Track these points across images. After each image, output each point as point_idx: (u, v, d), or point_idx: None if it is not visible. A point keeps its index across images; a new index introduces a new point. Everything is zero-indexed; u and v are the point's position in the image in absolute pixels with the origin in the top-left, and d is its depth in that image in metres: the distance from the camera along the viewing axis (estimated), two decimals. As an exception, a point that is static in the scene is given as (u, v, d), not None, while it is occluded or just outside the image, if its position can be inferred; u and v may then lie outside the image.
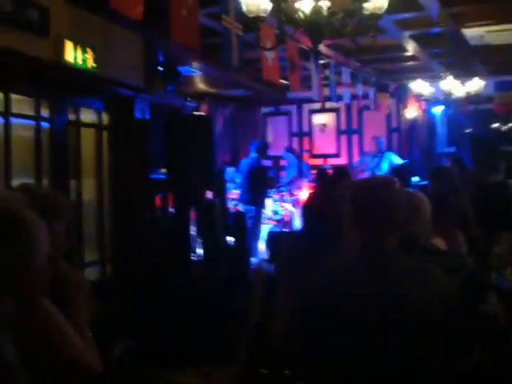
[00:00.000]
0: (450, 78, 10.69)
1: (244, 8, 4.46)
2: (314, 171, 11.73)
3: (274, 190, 11.03)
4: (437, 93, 11.67)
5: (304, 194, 10.68)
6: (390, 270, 2.46)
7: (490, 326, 2.96)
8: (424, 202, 3.34)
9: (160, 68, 8.12)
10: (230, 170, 11.33)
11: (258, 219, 9.84)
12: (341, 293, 2.49)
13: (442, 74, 11.14)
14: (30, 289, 1.82)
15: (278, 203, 11.00)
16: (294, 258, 4.16)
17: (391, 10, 4.74)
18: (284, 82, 8.83)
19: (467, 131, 13.56)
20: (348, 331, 2.44)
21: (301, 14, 4.37)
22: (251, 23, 4.68)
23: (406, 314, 2.37)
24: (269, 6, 4.39)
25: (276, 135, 14.67)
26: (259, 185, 9.90)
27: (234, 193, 10.70)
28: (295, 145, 14.56)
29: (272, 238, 9.37)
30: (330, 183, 6.88)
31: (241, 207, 10.03)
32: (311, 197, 4.58)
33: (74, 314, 2.36)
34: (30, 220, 1.79)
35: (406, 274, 2.47)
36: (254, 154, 10.05)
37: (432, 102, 12.70)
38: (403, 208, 2.57)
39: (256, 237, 9.77)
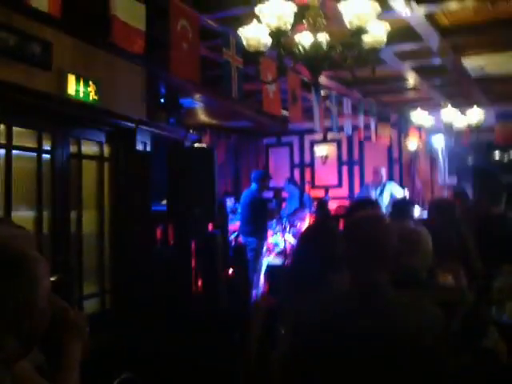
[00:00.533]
0: (451, 108, 10.71)
1: (244, 42, 4.49)
2: (315, 202, 11.75)
3: (275, 221, 10.99)
4: (438, 123, 11.70)
5: (305, 225, 10.65)
6: (380, 305, 2.47)
7: (490, 362, 2.93)
8: (424, 236, 3.34)
9: (162, 100, 8.16)
10: (231, 201, 11.33)
11: (258, 251, 9.78)
12: (331, 329, 2.49)
13: (442, 105, 11.18)
14: (33, 329, 1.77)
15: (279, 235, 10.96)
16: (288, 290, 4.15)
17: (391, 41, 4.76)
18: (285, 113, 8.87)
19: (468, 162, 13.57)
20: (340, 367, 2.43)
21: (300, 48, 4.40)
22: (251, 57, 4.70)
23: (398, 349, 2.36)
24: (269, 41, 4.41)
25: (277, 166, 14.70)
26: (259, 216, 9.85)
27: (234, 224, 10.67)
28: (297, 176, 14.58)
29: (271, 270, 9.34)
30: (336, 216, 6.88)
31: (241, 239, 9.99)
32: (308, 228, 4.58)
33: (66, 352, 2.34)
34: (32, 258, 1.76)
35: (396, 308, 2.48)
36: (254, 185, 10.03)
37: (433, 132, 12.73)
38: (393, 243, 2.59)
39: (256, 269, 9.72)
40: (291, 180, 13.07)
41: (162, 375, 5.85)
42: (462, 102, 10.94)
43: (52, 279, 2.53)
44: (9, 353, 1.68)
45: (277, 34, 4.17)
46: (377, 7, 4.14)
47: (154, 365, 5.92)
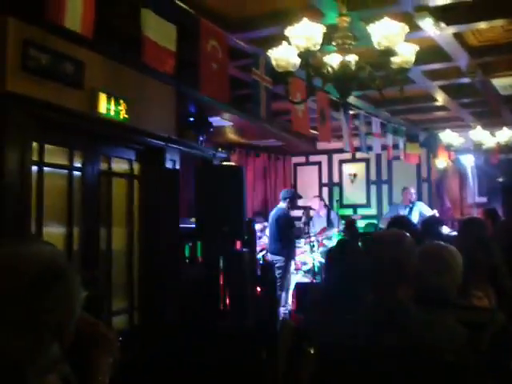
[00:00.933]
0: (480, 127, 10.66)
1: (273, 63, 4.54)
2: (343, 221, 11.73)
3: (303, 239, 10.98)
4: (467, 143, 11.64)
5: (333, 244, 10.63)
6: (403, 322, 2.48)
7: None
8: (455, 256, 3.32)
9: (191, 118, 8.24)
10: (259, 220, 11.35)
11: (286, 269, 9.79)
12: (351, 345, 2.51)
13: (471, 124, 11.13)
14: (69, 339, 1.86)
15: (307, 253, 10.96)
16: (316, 309, 4.17)
17: (419, 60, 4.78)
18: (314, 132, 8.90)
19: (498, 181, 13.46)
20: (364, 381, 2.44)
21: (329, 69, 4.44)
22: (280, 77, 4.74)
23: (422, 364, 2.37)
24: (298, 61, 4.45)
25: (306, 185, 14.69)
26: (287, 234, 9.87)
27: (262, 243, 10.70)
28: (325, 195, 14.58)
29: (299, 288, 9.33)
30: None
31: (269, 257, 10.01)
32: (336, 247, 4.59)
33: (95, 366, 2.40)
34: (71, 272, 1.86)
35: (419, 325, 2.48)
36: (282, 204, 10.06)
37: (462, 151, 12.65)
38: (413, 261, 2.61)
39: (284, 287, 9.72)
40: (319, 198, 13.07)
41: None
42: (491, 121, 10.89)
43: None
44: (53, 359, 1.76)
45: (306, 55, 4.22)
46: (405, 28, 4.17)
47: (182, 381, 5.93)
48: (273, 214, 10.18)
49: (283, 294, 9.70)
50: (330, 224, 12.18)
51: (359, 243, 4.61)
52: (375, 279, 2.61)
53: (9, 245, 1.84)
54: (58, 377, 2.18)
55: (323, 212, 12.46)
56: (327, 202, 13.48)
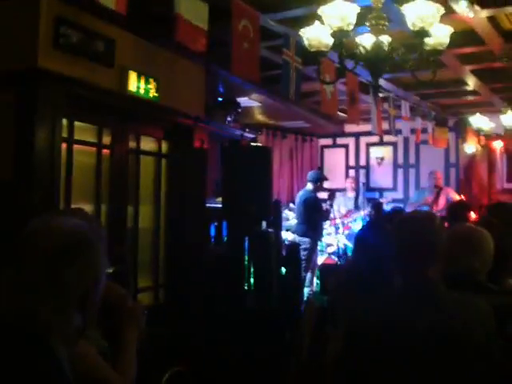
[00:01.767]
0: (510, 112, 10.53)
1: (306, 42, 4.50)
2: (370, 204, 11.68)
3: (328, 222, 10.96)
4: (497, 128, 11.51)
5: (359, 226, 10.62)
6: (433, 302, 2.48)
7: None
8: (485, 238, 3.30)
9: (220, 98, 8.22)
10: (285, 201, 11.35)
11: (312, 251, 9.79)
12: (385, 323, 2.51)
13: (502, 109, 11.00)
14: (95, 304, 1.95)
15: (332, 235, 10.95)
16: (342, 289, 4.16)
17: (452, 43, 4.72)
18: (342, 114, 8.85)
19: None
20: (394, 360, 2.44)
21: (361, 49, 4.40)
22: (312, 57, 4.71)
23: (452, 344, 2.37)
24: (330, 41, 4.42)
25: (332, 167, 14.64)
26: (314, 216, 9.85)
27: (289, 223, 10.69)
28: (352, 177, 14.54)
29: (324, 270, 9.33)
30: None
31: (296, 238, 10.00)
32: (363, 229, 4.59)
33: (124, 339, 2.44)
34: (95, 241, 1.95)
35: (448, 305, 2.48)
36: (309, 185, 10.03)
37: (492, 136, 12.52)
38: (444, 242, 2.59)
39: (310, 268, 9.73)
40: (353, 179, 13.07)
41: (213, 371, 5.90)
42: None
43: (110, 270, 2.66)
44: (75, 327, 1.81)
45: (339, 35, 4.18)
46: (440, 9, 4.12)
47: (205, 360, 5.97)
48: (300, 195, 10.16)
49: (308, 275, 9.71)
50: (357, 207, 12.17)
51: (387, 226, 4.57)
52: (405, 259, 2.59)
53: (45, 216, 1.93)
54: (96, 351, 2.24)
55: (352, 194, 12.43)
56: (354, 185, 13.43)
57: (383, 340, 2.49)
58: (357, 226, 10.78)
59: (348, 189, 13.12)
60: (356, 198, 12.54)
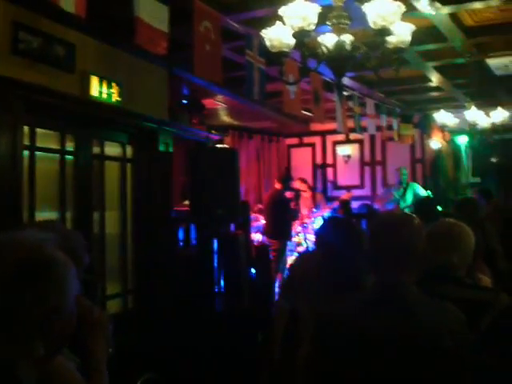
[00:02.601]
0: (475, 108, 10.63)
1: (267, 43, 4.47)
2: (336, 202, 11.72)
3: (297, 221, 10.97)
4: (461, 123, 11.61)
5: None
6: (402, 306, 2.44)
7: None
8: (466, 233, 3.28)
9: (184, 101, 8.17)
10: (252, 202, 11.33)
11: (281, 251, 9.78)
12: (354, 329, 2.47)
13: (466, 104, 11.09)
14: (60, 334, 1.75)
15: (301, 235, 10.95)
16: (307, 278, 4.14)
17: (414, 40, 4.72)
18: (307, 113, 8.84)
19: (492, 161, 13.46)
20: (362, 368, 2.41)
21: (324, 49, 4.38)
22: (274, 57, 4.68)
23: (418, 349, 2.35)
24: (292, 41, 4.39)
25: (300, 167, 14.65)
26: (283, 217, 9.85)
27: (257, 225, 10.67)
28: (318, 176, 14.60)
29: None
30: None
31: (264, 239, 9.99)
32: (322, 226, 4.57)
33: (92, 352, 2.36)
34: (60, 262, 1.73)
35: (418, 309, 2.44)
36: (277, 186, 10.03)
37: (456, 132, 12.63)
38: (422, 245, 2.55)
39: (279, 269, 9.72)
40: (303, 181, 13.06)
41: (185, 375, 5.86)
42: (486, 102, 10.84)
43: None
44: (37, 357, 1.67)
45: (300, 35, 4.16)
46: (401, 7, 4.11)
47: (177, 365, 5.93)
48: (268, 195, 10.15)
49: (279, 276, 9.70)
50: (316, 205, 12.25)
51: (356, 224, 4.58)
52: (379, 262, 2.55)
53: (3, 233, 1.75)
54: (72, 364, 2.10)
55: (308, 194, 12.50)
56: (319, 184, 13.49)
57: (350, 343, 2.46)
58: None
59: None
60: (313, 197, 12.60)
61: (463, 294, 2.91)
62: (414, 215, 2.70)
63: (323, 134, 14.33)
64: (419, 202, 7.66)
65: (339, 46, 4.33)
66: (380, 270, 2.55)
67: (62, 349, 1.88)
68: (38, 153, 5.66)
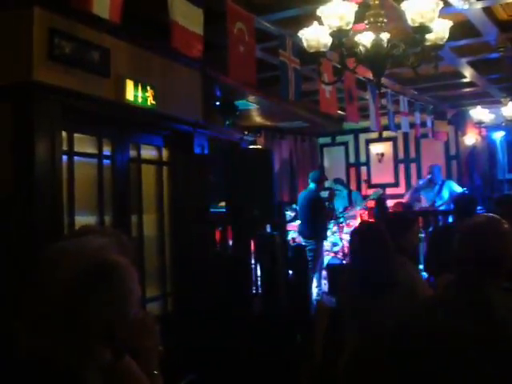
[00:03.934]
0: (510, 103, 10.48)
1: (304, 43, 4.45)
2: (372, 201, 11.62)
3: (332, 221, 10.92)
4: (497, 119, 11.47)
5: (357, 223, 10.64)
6: (488, 313, 2.37)
7: None
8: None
9: (218, 103, 8.18)
10: (288, 203, 11.31)
11: (318, 251, 9.74)
12: (435, 334, 2.41)
13: (502, 100, 10.95)
14: (124, 339, 1.76)
15: (336, 234, 10.91)
16: (353, 293, 4.09)
17: (448, 36, 4.67)
18: (341, 112, 8.80)
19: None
20: (441, 370, 2.35)
21: (361, 48, 4.34)
22: (310, 58, 4.66)
23: (503, 351, 2.28)
24: (329, 41, 4.37)
25: (333, 166, 14.61)
26: (319, 216, 9.81)
27: (293, 225, 10.64)
28: (352, 175, 14.55)
29: (331, 270, 9.29)
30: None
31: (300, 240, 9.96)
32: (366, 227, 4.53)
33: (145, 356, 2.34)
34: (123, 267, 1.74)
35: (505, 315, 2.37)
36: (313, 185, 9.98)
37: (492, 127, 12.48)
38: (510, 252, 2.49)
39: (316, 269, 9.68)
40: (337, 180, 12.99)
41: (225, 377, 5.85)
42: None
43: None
44: (103, 360, 1.67)
45: (338, 34, 4.13)
46: (439, 3, 4.07)
47: (217, 367, 5.92)
48: (303, 196, 10.11)
49: (316, 276, 9.66)
50: (351, 203, 12.21)
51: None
52: (470, 269, 2.47)
53: (63, 239, 1.74)
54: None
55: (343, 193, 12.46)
56: (352, 183, 13.45)
57: (431, 346, 2.40)
58: (355, 223, 10.75)
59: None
60: (349, 195, 12.56)
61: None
62: (501, 218, 2.61)
63: (356, 132, 14.27)
64: (458, 199, 7.55)
65: (377, 44, 4.29)
66: (468, 276, 2.48)
67: (127, 351, 1.88)
68: (76, 158, 5.69)
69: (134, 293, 1.76)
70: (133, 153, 6.56)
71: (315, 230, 9.72)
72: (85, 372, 1.63)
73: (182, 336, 6.21)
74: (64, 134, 5.45)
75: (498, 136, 12.92)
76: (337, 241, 10.85)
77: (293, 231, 10.52)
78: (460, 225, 2.95)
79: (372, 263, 3.92)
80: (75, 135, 5.70)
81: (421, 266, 6.51)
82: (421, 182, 12.27)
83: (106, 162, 6.13)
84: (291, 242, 9.94)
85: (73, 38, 5.25)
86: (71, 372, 1.61)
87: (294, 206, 11.06)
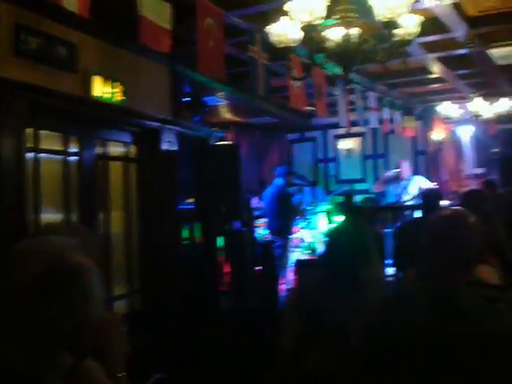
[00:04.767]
0: (478, 99, 10.57)
1: (273, 38, 4.42)
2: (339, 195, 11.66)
3: (299, 216, 10.92)
4: (464, 114, 11.56)
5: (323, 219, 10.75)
6: (462, 309, 2.36)
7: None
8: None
9: (186, 99, 8.11)
10: (255, 198, 11.28)
11: (285, 247, 9.73)
12: (404, 331, 2.40)
13: (469, 96, 11.04)
14: (86, 342, 1.73)
15: (304, 230, 10.90)
16: (326, 289, 4.08)
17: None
18: (310, 108, 8.79)
19: (495, 152, 13.40)
20: (405, 369, 2.34)
21: (331, 43, 4.33)
22: (279, 53, 4.63)
23: (477, 352, 2.27)
24: (298, 36, 4.34)
25: (301, 161, 14.62)
26: (286, 212, 9.80)
27: (260, 221, 10.61)
28: (321, 170, 14.59)
29: (300, 265, 9.29)
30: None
31: (268, 235, 9.93)
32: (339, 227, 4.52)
33: (111, 358, 2.30)
34: (85, 269, 1.70)
35: (473, 312, 2.36)
36: (281, 180, 9.95)
37: (459, 123, 12.58)
38: (476, 243, 2.48)
39: (284, 265, 9.67)
40: (296, 174, 13.01)
41: (192, 375, 5.82)
42: (489, 92, 10.79)
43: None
44: (64, 366, 1.63)
45: (308, 29, 4.11)
46: (409, -1, 4.06)
47: (184, 365, 5.88)
48: (270, 191, 10.08)
49: (283, 272, 9.65)
50: (314, 199, 12.25)
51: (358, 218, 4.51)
52: (436, 263, 2.46)
53: (27, 238, 1.70)
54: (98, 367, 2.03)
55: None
56: (321, 178, 13.49)
57: (394, 343, 2.39)
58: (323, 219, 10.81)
59: None
60: (312, 191, 12.64)
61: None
62: (469, 212, 2.60)
63: (324, 128, 14.29)
64: (425, 194, 7.60)
65: (347, 39, 4.27)
66: (437, 272, 2.47)
67: (92, 353, 1.84)
68: (41, 155, 5.60)
69: (97, 294, 1.72)
70: (100, 149, 6.48)
71: (283, 226, 9.70)
72: (44, 376, 1.58)
73: (149, 333, 6.16)
74: (30, 130, 5.36)
75: (465, 131, 13.04)
76: (304, 236, 10.83)
77: (263, 228, 10.48)
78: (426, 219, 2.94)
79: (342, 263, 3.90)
80: (41, 132, 5.61)
81: (389, 261, 6.52)
82: (388, 174, 12.29)
83: (73, 158, 6.04)
84: (259, 238, 9.90)
85: (39, 33, 5.17)
86: (30, 376, 1.57)
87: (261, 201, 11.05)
